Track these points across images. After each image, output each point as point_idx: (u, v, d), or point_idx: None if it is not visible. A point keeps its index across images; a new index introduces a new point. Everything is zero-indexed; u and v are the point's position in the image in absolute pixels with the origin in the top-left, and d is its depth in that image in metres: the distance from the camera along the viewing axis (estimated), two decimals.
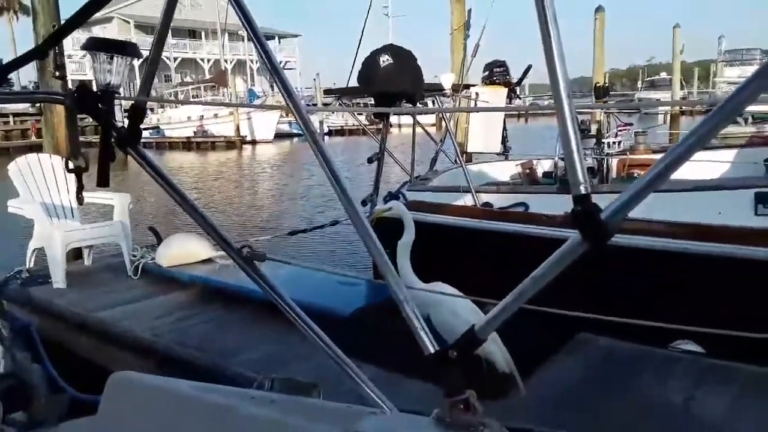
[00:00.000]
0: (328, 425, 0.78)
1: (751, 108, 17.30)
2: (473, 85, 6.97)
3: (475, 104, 6.51)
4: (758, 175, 6.07)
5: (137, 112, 1.37)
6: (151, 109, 38.56)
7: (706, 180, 5.92)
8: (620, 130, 10.74)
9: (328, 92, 7.47)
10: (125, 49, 1.55)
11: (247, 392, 0.98)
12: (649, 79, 51.99)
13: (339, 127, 39.26)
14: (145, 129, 33.99)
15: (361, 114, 17.52)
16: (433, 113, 19.64)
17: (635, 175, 6.91)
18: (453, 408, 0.81)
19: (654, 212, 4.13)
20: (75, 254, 5.70)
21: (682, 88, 31.38)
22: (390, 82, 4.61)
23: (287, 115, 36.69)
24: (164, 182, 1.39)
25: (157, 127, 35.48)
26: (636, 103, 26.75)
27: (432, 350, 0.97)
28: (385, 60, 4.65)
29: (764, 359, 3.04)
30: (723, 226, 3.77)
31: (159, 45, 1.41)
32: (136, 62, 1.90)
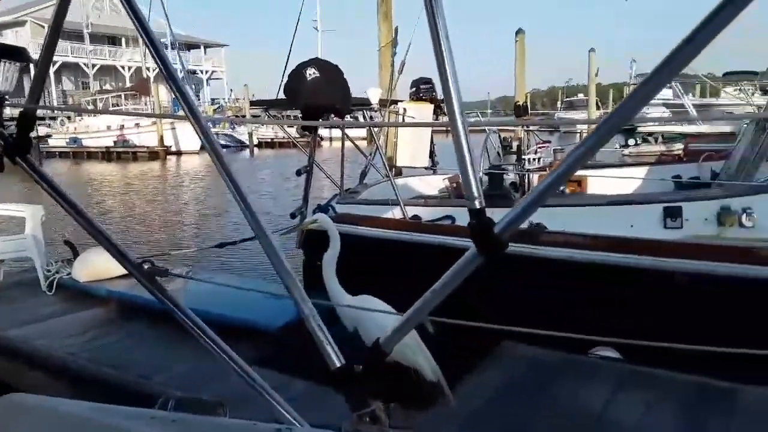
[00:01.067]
0: None
1: (660, 128, 18.45)
2: (401, 101, 7.08)
3: (403, 119, 6.62)
4: (667, 191, 6.48)
5: (27, 121, 1.29)
6: (68, 118, 36.71)
7: (620, 195, 6.27)
8: (539, 148, 11.25)
9: (255, 104, 7.39)
10: (13, 54, 1.46)
11: (146, 412, 0.94)
12: (567, 99, 54.51)
13: (269, 140, 38.77)
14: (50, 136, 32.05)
15: (291, 126, 17.37)
16: (361, 127, 19.77)
17: None
18: (360, 421, 0.81)
19: (571, 225, 4.33)
20: None
21: (598, 108, 33.06)
22: (316, 95, 4.61)
23: (214, 126, 35.89)
24: (56, 194, 1.32)
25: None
26: (556, 121, 27.97)
27: (338, 364, 0.96)
28: (311, 73, 4.65)
29: (677, 365, 3.24)
30: (635, 239, 3.99)
31: (49, 49, 1.33)
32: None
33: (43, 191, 1.30)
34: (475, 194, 0.76)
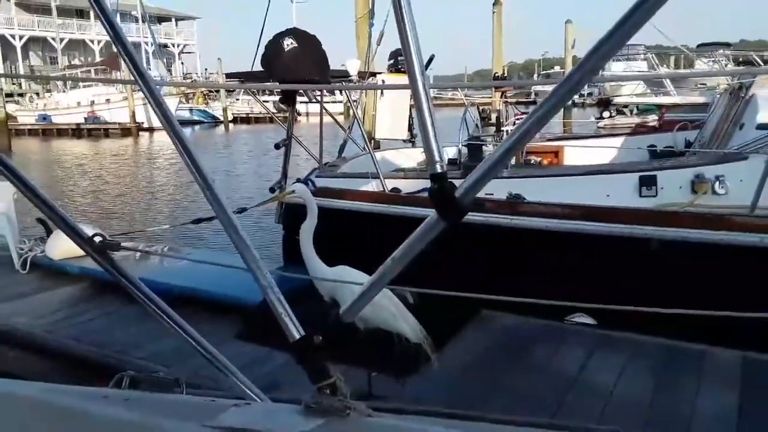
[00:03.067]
0: (185, 421, 0.74)
1: (635, 100, 18.57)
2: (379, 73, 7.00)
3: (382, 92, 6.56)
4: (642, 160, 6.56)
5: None
6: (37, 94, 35.73)
7: (596, 165, 6.33)
8: (518, 119, 11.28)
9: (230, 76, 7.23)
10: None
11: (99, 392, 0.92)
12: (544, 72, 54.67)
13: (244, 115, 38.23)
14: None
15: (267, 101, 17.09)
16: (339, 90, 19.53)
17: (531, 161, 7.26)
18: (320, 393, 0.80)
19: (549, 195, 4.37)
20: None
21: None
22: (295, 65, 4.53)
23: (187, 101, 35.24)
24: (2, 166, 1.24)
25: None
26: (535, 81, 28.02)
27: (297, 336, 0.95)
28: (289, 44, 4.55)
29: (648, 329, 3.32)
30: (611, 208, 4.04)
31: None
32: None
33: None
34: (436, 158, 0.74)
